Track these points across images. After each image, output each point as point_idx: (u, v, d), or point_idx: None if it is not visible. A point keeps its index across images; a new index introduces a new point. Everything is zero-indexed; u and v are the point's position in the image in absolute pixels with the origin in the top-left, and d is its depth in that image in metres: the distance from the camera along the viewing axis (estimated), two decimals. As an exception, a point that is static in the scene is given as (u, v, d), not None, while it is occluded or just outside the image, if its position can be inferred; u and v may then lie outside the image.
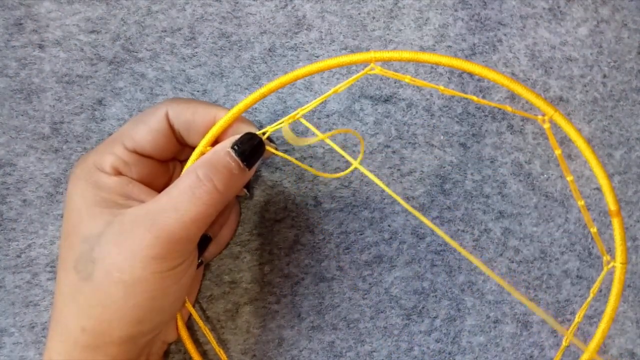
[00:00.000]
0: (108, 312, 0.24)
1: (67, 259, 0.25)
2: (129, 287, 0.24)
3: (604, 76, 0.35)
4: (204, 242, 0.29)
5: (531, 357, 0.33)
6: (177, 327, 0.29)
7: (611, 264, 0.26)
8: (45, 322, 0.31)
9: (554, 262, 0.33)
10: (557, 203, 0.34)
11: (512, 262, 0.33)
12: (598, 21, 0.35)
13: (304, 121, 0.27)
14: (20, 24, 0.33)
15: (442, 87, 0.26)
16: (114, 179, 0.26)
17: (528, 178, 0.34)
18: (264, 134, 0.27)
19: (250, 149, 0.26)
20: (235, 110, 0.27)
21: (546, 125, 0.25)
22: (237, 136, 0.26)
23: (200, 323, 0.29)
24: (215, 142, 0.27)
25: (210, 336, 0.29)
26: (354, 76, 0.26)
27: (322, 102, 0.33)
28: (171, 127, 0.27)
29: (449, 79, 0.34)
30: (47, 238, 0.32)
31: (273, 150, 0.28)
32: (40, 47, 0.33)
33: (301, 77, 0.26)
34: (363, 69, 0.26)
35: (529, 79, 0.34)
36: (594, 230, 0.26)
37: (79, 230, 0.25)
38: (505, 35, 0.34)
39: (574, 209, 0.34)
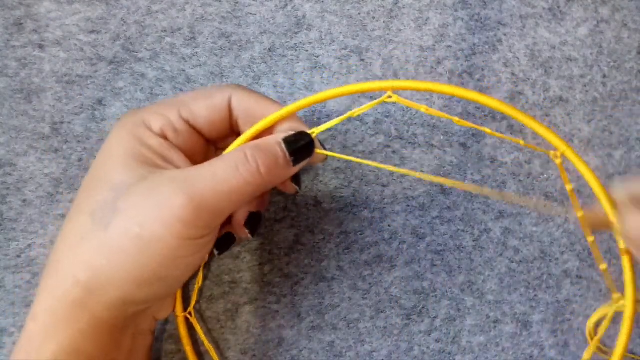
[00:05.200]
0: (110, 267, 0.23)
1: (85, 204, 0.24)
2: (144, 246, 0.23)
3: (604, 76, 0.35)
4: (228, 240, 0.29)
5: (531, 357, 0.33)
6: (172, 304, 0.29)
7: (621, 302, 0.26)
8: (45, 322, 0.31)
9: (554, 262, 0.33)
10: (557, 203, 0.34)
11: (512, 262, 0.33)
12: (598, 21, 0.35)
13: (319, 150, 0.27)
14: (20, 24, 0.33)
15: (456, 119, 0.26)
16: (158, 140, 0.26)
17: (528, 178, 0.34)
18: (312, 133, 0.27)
19: (300, 146, 0.26)
20: (289, 109, 0.27)
21: (558, 161, 0.25)
22: (292, 132, 0.27)
23: (198, 328, 0.29)
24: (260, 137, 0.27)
25: (209, 346, 0.30)
26: (371, 103, 0.26)
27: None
28: (230, 111, 0.27)
29: (449, 79, 0.34)
30: (47, 238, 0.32)
31: (326, 153, 0.28)
32: (40, 47, 0.33)
33: (320, 101, 0.27)
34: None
35: (529, 79, 0.34)
36: (603, 267, 0.26)
37: (110, 177, 0.24)
38: (505, 35, 0.34)
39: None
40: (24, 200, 0.32)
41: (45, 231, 0.32)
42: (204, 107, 0.27)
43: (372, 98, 0.34)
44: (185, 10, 0.34)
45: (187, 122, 0.27)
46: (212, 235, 0.26)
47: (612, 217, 0.25)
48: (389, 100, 0.26)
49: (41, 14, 0.33)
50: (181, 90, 0.33)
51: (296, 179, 0.29)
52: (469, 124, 0.26)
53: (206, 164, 0.25)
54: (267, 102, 0.27)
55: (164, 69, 0.33)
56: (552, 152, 0.25)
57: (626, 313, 0.25)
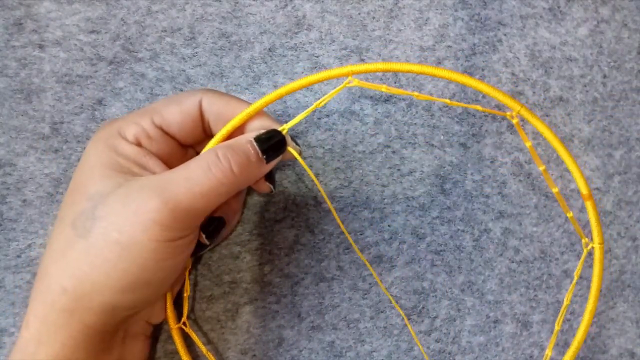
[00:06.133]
0: (95, 273, 0.24)
1: (67, 215, 0.25)
2: (124, 250, 0.24)
3: (604, 76, 0.35)
4: (218, 224, 0.29)
5: (531, 357, 0.33)
6: (164, 309, 0.29)
7: (590, 245, 0.28)
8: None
9: (554, 262, 0.33)
10: (557, 203, 0.34)
11: (512, 262, 0.33)
12: (598, 21, 0.35)
13: (291, 150, 0.27)
14: (20, 24, 0.33)
15: (416, 94, 0.27)
16: (133, 147, 0.26)
17: (528, 178, 0.34)
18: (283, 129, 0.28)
19: (271, 144, 0.27)
20: (256, 106, 0.27)
21: (515, 121, 0.26)
22: (263, 130, 0.27)
23: (195, 337, 0.29)
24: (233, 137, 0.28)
25: (207, 354, 0.30)
26: (333, 91, 0.27)
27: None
28: (201, 114, 0.28)
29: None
30: (47, 238, 0.32)
31: (296, 155, 0.28)
32: (40, 47, 0.33)
33: (284, 94, 0.27)
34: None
35: (529, 79, 0.34)
36: (570, 214, 0.28)
37: (87, 188, 0.25)
38: (505, 35, 0.34)
39: (574, 209, 0.34)
40: (24, 200, 0.32)
41: (45, 231, 0.32)
42: (175, 113, 0.27)
43: (372, 98, 0.34)
44: (185, 10, 0.34)
45: (161, 128, 0.27)
46: (191, 237, 0.26)
47: (574, 166, 0.26)
48: (350, 85, 0.27)
49: (41, 14, 0.33)
50: (181, 90, 0.33)
51: (270, 178, 0.29)
52: (428, 97, 0.27)
53: (180, 167, 0.25)
54: (237, 102, 0.28)
55: (164, 69, 0.33)
56: (508, 114, 0.26)
57: (596, 254, 0.27)
